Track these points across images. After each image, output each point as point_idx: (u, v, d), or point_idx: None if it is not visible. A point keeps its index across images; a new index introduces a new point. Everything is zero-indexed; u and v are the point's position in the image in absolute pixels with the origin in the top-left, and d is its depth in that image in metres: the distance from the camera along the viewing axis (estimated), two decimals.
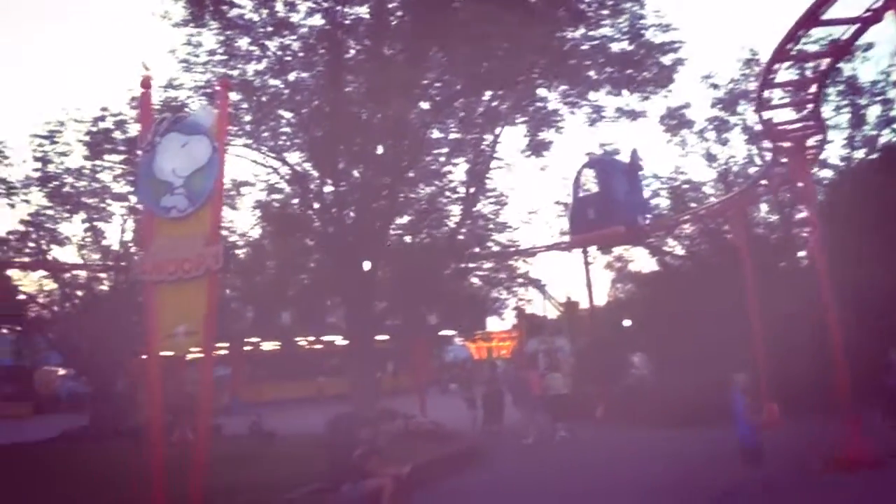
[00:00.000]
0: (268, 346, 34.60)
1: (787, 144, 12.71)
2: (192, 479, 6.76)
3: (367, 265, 15.15)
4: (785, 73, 11.89)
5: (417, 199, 15.85)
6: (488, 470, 12.23)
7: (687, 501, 9.35)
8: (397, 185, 15.04)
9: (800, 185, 13.74)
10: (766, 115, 12.25)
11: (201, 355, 7.45)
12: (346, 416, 10.52)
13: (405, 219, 16.31)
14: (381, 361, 17.83)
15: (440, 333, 28.54)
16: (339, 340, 35.13)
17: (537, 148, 16.80)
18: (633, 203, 17.08)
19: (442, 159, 16.33)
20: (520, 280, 19.00)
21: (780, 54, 10.54)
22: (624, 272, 28.04)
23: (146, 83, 8.49)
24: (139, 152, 8.24)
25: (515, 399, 16.39)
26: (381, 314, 16.40)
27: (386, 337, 28.59)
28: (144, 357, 9.37)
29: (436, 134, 16.22)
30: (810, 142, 12.91)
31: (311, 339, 35.26)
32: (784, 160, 13.58)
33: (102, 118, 19.90)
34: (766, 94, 11.71)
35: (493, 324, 40.80)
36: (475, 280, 18.52)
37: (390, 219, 15.65)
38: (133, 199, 21.85)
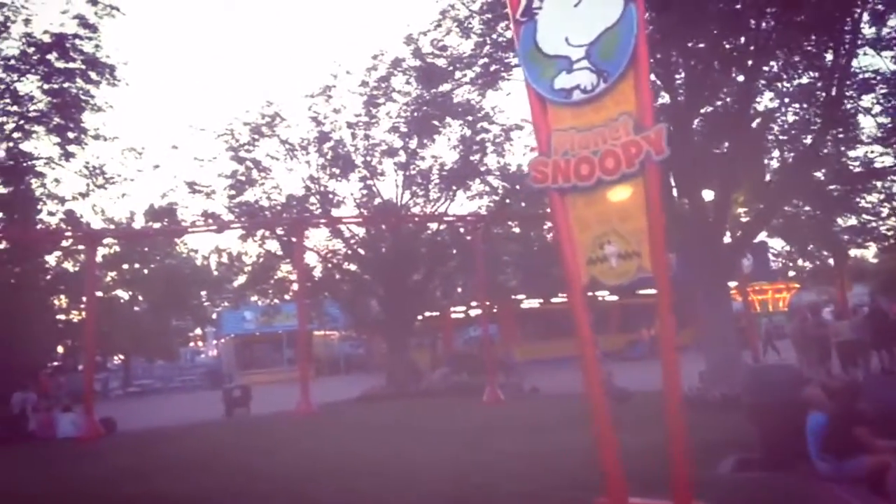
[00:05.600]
0: (528, 303, 33.60)
1: None
2: (674, 437, 4.83)
3: (708, 194, 12.22)
4: None
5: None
6: None
7: None
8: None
9: None
10: None
11: (652, 290, 5.29)
12: (767, 371, 8.03)
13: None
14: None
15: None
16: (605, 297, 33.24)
17: None
18: None
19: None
20: None
21: None
22: None
23: None
24: (516, 24, 6.13)
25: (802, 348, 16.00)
26: (730, 253, 13.34)
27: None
28: (565, 292, 7.54)
29: None
30: None
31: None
32: None
33: (375, 67, 19.02)
34: None
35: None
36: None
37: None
38: (402, 154, 20.96)
